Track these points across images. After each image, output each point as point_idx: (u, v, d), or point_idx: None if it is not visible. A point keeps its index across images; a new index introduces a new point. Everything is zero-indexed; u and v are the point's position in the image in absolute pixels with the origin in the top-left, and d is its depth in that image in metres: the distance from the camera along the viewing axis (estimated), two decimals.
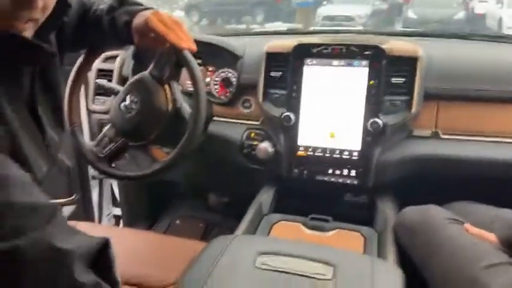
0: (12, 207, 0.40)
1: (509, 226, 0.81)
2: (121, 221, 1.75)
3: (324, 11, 10.85)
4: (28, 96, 0.63)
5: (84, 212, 1.66)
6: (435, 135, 1.09)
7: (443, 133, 1.09)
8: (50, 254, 0.39)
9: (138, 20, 0.83)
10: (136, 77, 1.05)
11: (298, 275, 0.68)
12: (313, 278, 0.68)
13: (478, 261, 0.75)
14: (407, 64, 1.06)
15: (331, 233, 1.04)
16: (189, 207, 1.77)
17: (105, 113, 1.31)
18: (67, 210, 1.65)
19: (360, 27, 8.42)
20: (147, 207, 1.74)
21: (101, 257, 0.42)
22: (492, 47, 1.29)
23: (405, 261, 0.91)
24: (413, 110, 1.05)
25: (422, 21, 9.13)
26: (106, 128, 1.06)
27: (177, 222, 1.72)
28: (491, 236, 0.81)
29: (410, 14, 9.90)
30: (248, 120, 1.22)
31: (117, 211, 1.78)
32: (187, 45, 0.86)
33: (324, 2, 13.17)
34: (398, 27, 9.78)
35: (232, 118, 1.24)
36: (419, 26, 8.70)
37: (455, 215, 0.92)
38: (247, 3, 13.81)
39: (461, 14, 9.83)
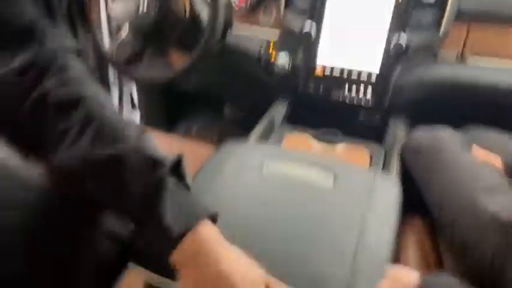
0: (110, 119, 0.47)
1: None
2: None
3: None
4: None
5: None
6: (461, 59, 1.05)
7: (470, 57, 1.04)
8: (146, 161, 0.46)
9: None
10: None
11: (300, 182, 0.71)
12: (315, 186, 0.71)
13: (478, 182, 0.75)
14: None
15: (339, 146, 1.06)
16: (204, 119, 1.80)
17: (125, 14, 1.29)
18: None
19: None
20: (164, 115, 1.78)
21: (179, 166, 0.49)
22: None
23: (408, 182, 0.93)
24: (443, 29, 1.00)
25: None
26: (124, 28, 1.05)
27: (194, 128, 1.77)
28: (497, 159, 0.81)
29: None
30: (268, 31, 1.19)
31: (137, 115, 1.84)
32: None
33: None
34: None
35: (251, 28, 1.21)
36: None
37: (465, 138, 0.91)
38: None
39: None
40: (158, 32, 1.00)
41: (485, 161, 0.82)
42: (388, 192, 0.71)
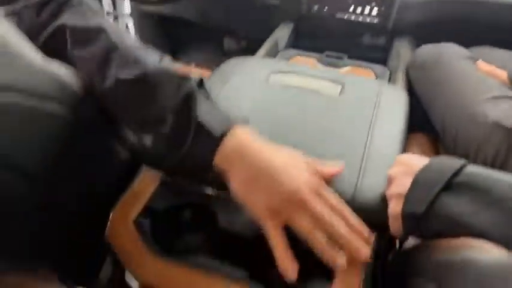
0: (132, 47, 0.51)
1: None
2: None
3: None
4: None
5: None
6: None
7: None
8: (173, 77, 0.50)
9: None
10: None
11: (308, 91, 0.71)
12: (323, 94, 0.71)
13: (481, 92, 0.75)
14: None
15: (344, 69, 1.05)
16: (204, 52, 1.76)
17: None
18: None
19: None
20: (162, 49, 1.74)
21: (202, 83, 0.53)
22: None
23: (414, 100, 0.93)
24: None
25: None
26: None
27: (192, 64, 1.74)
28: (503, 73, 0.81)
29: None
30: None
31: None
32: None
33: None
34: None
35: None
36: None
37: (472, 54, 0.90)
38: None
39: None
40: None
41: (491, 73, 0.82)
42: (395, 100, 0.71)
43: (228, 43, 1.70)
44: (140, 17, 1.62)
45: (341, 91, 0.71)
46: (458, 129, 0.76)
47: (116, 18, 1.71)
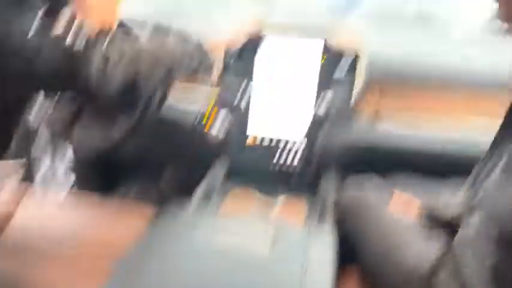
0: None
1: (434, 196, 0.88)
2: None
3: None
4: None
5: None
6: (377, 116, 1.18)
7: (386, 113, 1.18)
8: None
9: None
10: None
11: (236, 252, 0.73)
12: (252, 254, 0.73)
13: (396, 237, 0.81)
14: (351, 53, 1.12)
15: (276, 205, 1.10)
16: (142, 182, 1.76)
17: None
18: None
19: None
20: (100, 179, 1.72)
21: None
22: None
23: (342, 233, 0.99)
24: (357, 94, 1.12)
25: None
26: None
27: (129, 195, 1.72)
28: (416, 203, 0.89)
29: None
30: (199, 103, 1.25)
31: (71, 180, 1.75)
32: None
33: None
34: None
35: (190, 89, 1.28)
36: None
37: (390, 186, 0.98)
38: None
39: None
40: (95, 99, 1.01)
41: (404, 208, 0.89)
42: (325, 252, 0.76)
43: (167, 174, 1.72)
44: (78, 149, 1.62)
45: (270, 249, 0.75)
46: (378, 273, 0.81)
47: (55, 147, 1.69)
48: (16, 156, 1.44)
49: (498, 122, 0.66)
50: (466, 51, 1.30)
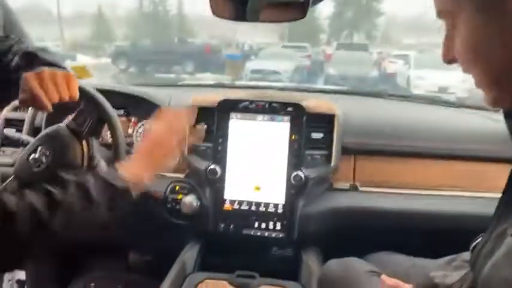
0: None
1: (425, 275, 0.85)
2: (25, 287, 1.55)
3: (252, 64, 11.37)
4: None
5: None
6: (353, 188, 1.15)
7: (361, 185, 1.15)
8: None
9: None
10: (51, 128, 0.99)
11: None
12: None
13: None
14: (325, 121, 1.12)
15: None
16: (105, 267, 1.62)
17: (12, 165, 1.19)
18: None
19: (286, 81, 8.93)
20: (56, 268, 1.57)
21: None
22: (402, 105, 1.43)
23: None
24: (333, 163, 1.10)
25: (341, 77, 9.92)
26: (8, 180, 0.96)
27: (92, 284, 1.57)
28: (407, 287, 0.84)
29: (331, 70, 10.74)
30: (173, 172, 1.19)
31: (22, 275, 1.58)
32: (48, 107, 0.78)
33: (252, 57, 13.89)
34: (321, 82, 10.57)
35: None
36: (340, 81, 9.42)
37: (374, 267, 0.94)
38: (177, 53, 14.06)
39: (375, 73, 10.90)
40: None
41: (397, 285, 0.84)
42: None
43: (132, 257, 1.59)
44: None
45: None
46: None
47: None
48: None
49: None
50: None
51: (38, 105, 0.79)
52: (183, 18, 29.36)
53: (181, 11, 29.08)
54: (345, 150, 1.14)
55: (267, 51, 13.68)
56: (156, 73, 13.91)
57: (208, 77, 11.82)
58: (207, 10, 0.67)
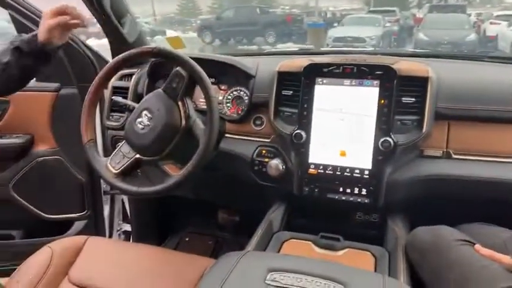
0: None
1: None
2: (131, 237, 1.76)
3: (334, 32, 11.00)
4: None
5: (95, 227, 1.68)
6: (446, 155, 1.09)
7: (455, 153, 1.09)
8: None
9: (40, 34, 1.01)
10: (151, 94, 1.08)
11: None
12: None
13: (486, 285, 0.73)
14: (417, 84, 1.07)
15: (341, 252, 1.03)
16: (198, 224, 1.77)
17: (120, 129, 1.34)
18: (79, 225, 1.67)
19: (371, 49, 8.49)
20: (157, 223, 1.75)
21: None
22: (503, 69, 1.30)
23: (415, 281, 0.90)
24: (424, 129, 1.05)
25: (433, 43, 9.16)
26: (121, 144, 1.08)
27: (187, 239, 1.73)
28: (505, 258, 0.80)
29: (421, 35, 9.96)
30: (259, 137, 1.24)
31: (128, 227, 1.80)
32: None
33: (335, 24, 13.40)
34: (409, 49, 9.87)
35: (243, 135, 1.26)
36: (430, 47, 8.73)
37: (466, 236, 0.91)
38: (259, 24, 14.09)
39: (472, 36, 9.86)
40: (155, 143, 1.03)
41: (491, 258, 0.81)
42: None
43: (222, 216, 1.72)
44: (135, 199, 1.66)
45: None
46: None
47: (112, 196, 1.75)
48: None
49: None
50: None
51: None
52: None
53: None
54: (438, 116, 1.07)
55: (351, 17, 13.05)
56: (238, 45, 14.15)
57: (290, 47, 11.70)
58: None
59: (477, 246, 0.85)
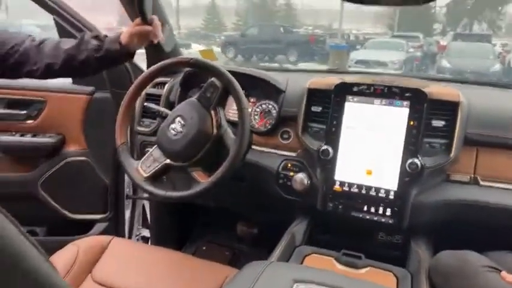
0: None
1: None
2: (149, 242, 1.78)
3: (357, 55, 11.04)
4: None
5: (116, 230, 1.71)
6: (474, 181, 1.08)
7: (482, 179, 1.08)
8: None
9: (123, 37, 1.10)
10: (184, 102, 1.12)
11: None
12: None
13: None
14: (448, 108, 1.07)
15: (363, 270, 1.03)
16: (217, 235, 1.78)
17: (150, 134, 1.38)
18: (100, 227, 1.70)
19: (396, 72, 8.49)
20: (175, 230, 1.77)
21: None
22: None
23: None
24: (453, 154, 1.05)
25: (456, 71, 9.10)
26: (152, 148, 1.11)
27: (204, 248, 1.74)
28: None
29: (444, 63, 9.91)
30: (285, 151, 1.25)
31: (146, 233, 1.82)
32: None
33: (358, 47, 13.46)
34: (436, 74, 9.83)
35: (270, 148, 1.27)
36: (453, 75, 8.66)
37: (492, 263, 0.90)
38: (282, 42, 14.26)
39: (497, 67, 9.76)
40: (186, 149, 1.05)
41: None
42: None
43: (241, 229, 1.72)
44: (157, 204, 1.69)
45: None
46: None
47: (134, 200, 1.78)
48: None
49: None
50: None
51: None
52: (290, 8, 29.54)
53: (288, 0, 29.27)
54: (467, 141, 1.08)
55: (374, 41, 13.11)
56: (260, 62, 14.33)
57: (311, 66, 11.77)
58: None
59: (503, 273, 0.84)
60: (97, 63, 1.10)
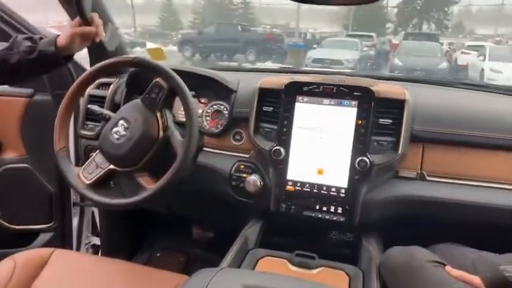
0: None
1: (494, 269, 0.81)
2: (100, 251, 1.70)
3: (313, 53, 11.24)
4: None
5: (62, 240, 1.62)
6: (420, 177, 1.11)
7: (429, 175, 1.11)
8: None
9: (61, 39, 1.02)
10: (129, 103, 1.06)
11: None
12: None
13: None
14: (395, 106, 1.09)
15: (316, 270, 1.03)
16: (170, 240, 1.73)
17: (94, 138, 1.30)
18: (44, 237, 1.60)
19: (348, 71, 8.71)
20: (127, 237, 1.70)
21: None
22: (475, 95, 1.35)
23: None
24: (400, 151, 1.07)
25: (407, 68, 9.48)
26: (95, 153, 1.05)
27: (158, 254, 1.68)
28: (475, 279, 0.81)
29: (396, 61, 10.30)
30: (238, 152, 1.23)
31: (97, 240, 1.73)
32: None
33: (314, 45, 13.71)
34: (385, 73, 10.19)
35: (222, 150, 1.25)
36: (404, 72, 9.03)
37: (438, 257, 0.92)
38: (240, 41, 14.25)
39: (444, 64, 10.28)
40: (130, 153, 1.00)
41: (462, 279, 0.82)
42: None
43: (196, 232, 1.68)
44: (106, 211, 1.62)
45: None
46: None
47: (82, 208, 1.69)
48: None
49: None
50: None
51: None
52: (247, 6, 29.59)
53: None
54: (414, 138, 1.10)
55: (330, 40, 13.42)
56: (219, 61, 14.25)
57: (269, 65, 11.85)
58: None
59: (448, 268, 0.86)
60: (30, 67, 1.02)
